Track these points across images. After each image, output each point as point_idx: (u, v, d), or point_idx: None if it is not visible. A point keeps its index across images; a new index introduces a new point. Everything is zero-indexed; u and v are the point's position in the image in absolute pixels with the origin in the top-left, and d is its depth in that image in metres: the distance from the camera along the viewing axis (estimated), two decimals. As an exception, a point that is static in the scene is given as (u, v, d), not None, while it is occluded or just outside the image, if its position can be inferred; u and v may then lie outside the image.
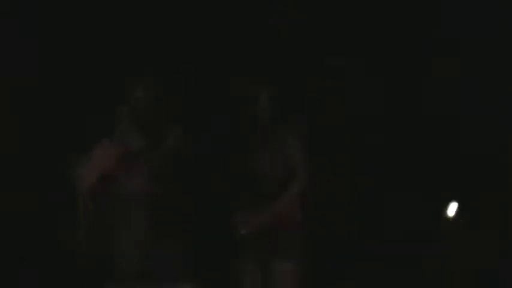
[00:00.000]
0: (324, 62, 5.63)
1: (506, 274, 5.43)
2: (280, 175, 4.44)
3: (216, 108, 5.17)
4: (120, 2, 5.47)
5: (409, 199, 5.66)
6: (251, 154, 4.48)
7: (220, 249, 4.62)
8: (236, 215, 4.39)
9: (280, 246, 4.42)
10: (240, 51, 5.47)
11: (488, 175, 5.70)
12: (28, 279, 4.98)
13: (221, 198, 4.57)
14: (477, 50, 5.73)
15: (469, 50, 5.74)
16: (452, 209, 5.72)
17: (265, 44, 5.52)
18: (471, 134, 5.73)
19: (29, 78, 5.35)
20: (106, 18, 5.45)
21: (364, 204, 5.61)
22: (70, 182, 3.84)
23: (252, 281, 4.48)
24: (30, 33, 5.40)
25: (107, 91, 4.92)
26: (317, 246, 4.80)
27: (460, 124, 5.78)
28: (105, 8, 5.44)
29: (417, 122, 5.76)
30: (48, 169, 5.08)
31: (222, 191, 4.56)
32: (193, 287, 3.94)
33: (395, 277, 5.43)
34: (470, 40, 5.73)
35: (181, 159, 4.41)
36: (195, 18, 5.53)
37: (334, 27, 5.66)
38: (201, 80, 5.43)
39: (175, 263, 4.06)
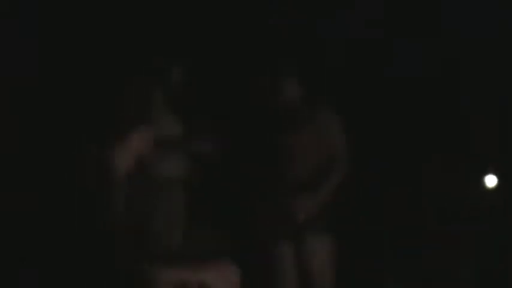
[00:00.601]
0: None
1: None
2: (317, 161, 4.44)
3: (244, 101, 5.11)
4: (120, 2, 5.48)
5: (415, 194, 5.68)
6: (285, 143, 4.47)
7: (254, 228, 4.60)
8: (293, 199, 4.39)
9: (316, 221, 4.44)
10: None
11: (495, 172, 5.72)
12: (28, 279, 4.99)
13: (255, 183, 4.56)
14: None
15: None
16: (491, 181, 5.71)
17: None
18: (478, 130, 5.75)
19: (29, 79, 5.34)
20: (106, 18, 5.45)
21: (369, 200, 5.61)
22: (103, 166, 3.83)
23: (287, 257, 4.48)
24: (30, 33, 5.40)
25: (107, 90, 4.93)
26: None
27: (468, 121, 5.79)
28: (104, 8, 5.44)
29: (422, 115, 5.77)
30: (49, 168, 5.09)
31: (257, 178, 4.55)
32: (230, 267, 3.93)
33: (398, 273, 5.45)
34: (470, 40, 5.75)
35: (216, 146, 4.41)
36: (195, 16, 5.53)
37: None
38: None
39: (212, 244, 4.04)
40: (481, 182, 5.70)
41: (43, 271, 4.95)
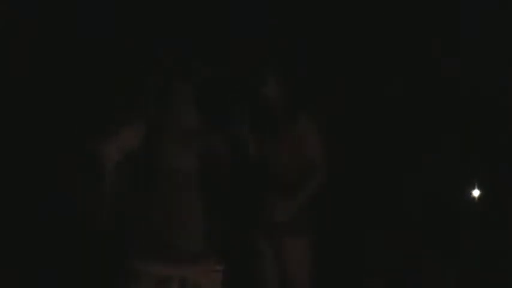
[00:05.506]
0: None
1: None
2: (298, 165, 4.57)
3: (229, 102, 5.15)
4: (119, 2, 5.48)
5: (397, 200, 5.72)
6: (267, 146, 4.58)
7: (237, 226, 4.72)
8: (273, 203, 4.53)
9: (293, 224, 4.56)
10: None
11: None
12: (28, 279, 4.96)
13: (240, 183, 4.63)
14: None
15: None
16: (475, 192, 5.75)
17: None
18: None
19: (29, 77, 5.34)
20: (106, 18, 5.45)
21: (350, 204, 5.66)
22: (92, 157, 3.80)
23: (267, 258, 4.61)
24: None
25: (107, 90, 4.94)
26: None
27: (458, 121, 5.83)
28: (105, 8, 5.45)
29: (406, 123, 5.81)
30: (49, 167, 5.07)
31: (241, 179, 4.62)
32: (212, 263, 3.91)
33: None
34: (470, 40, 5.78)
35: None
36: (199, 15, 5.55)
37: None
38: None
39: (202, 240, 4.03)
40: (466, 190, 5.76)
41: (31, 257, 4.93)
